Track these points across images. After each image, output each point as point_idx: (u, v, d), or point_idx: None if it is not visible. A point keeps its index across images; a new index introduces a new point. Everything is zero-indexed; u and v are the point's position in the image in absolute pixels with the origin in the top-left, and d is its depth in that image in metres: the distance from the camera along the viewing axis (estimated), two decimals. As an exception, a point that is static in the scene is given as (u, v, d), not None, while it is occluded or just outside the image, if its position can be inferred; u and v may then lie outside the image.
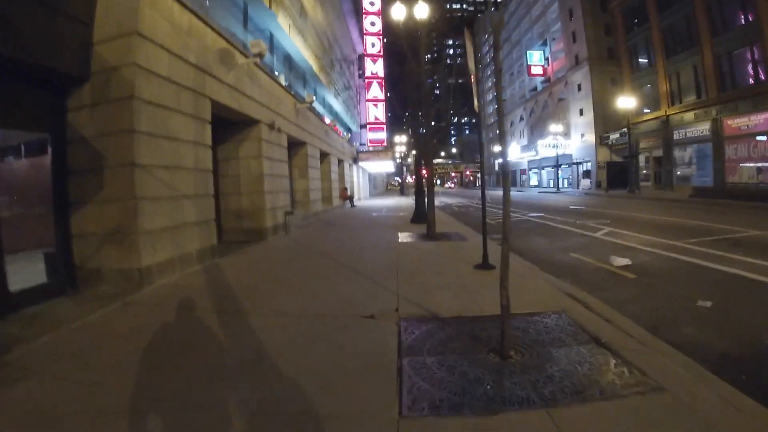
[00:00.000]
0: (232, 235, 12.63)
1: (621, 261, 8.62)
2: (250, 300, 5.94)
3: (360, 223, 17.13)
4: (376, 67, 45.55)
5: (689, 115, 32.21)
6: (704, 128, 30.94)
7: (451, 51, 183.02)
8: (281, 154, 14.40)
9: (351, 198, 28.85)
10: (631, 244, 10.63)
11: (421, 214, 15.75)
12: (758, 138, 26.25)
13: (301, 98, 17.43)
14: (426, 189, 12.27)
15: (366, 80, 46.14)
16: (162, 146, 7.64)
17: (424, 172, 15.60)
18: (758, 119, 26.09)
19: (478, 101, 7.33)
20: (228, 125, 12.38)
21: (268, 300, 5.97)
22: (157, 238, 7.37)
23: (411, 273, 7.42)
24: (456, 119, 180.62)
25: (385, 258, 8.91)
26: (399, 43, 13.44)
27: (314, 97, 18.60)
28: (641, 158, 38.93)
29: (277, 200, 13.67)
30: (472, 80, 7.06)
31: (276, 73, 17.55)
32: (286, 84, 17.62)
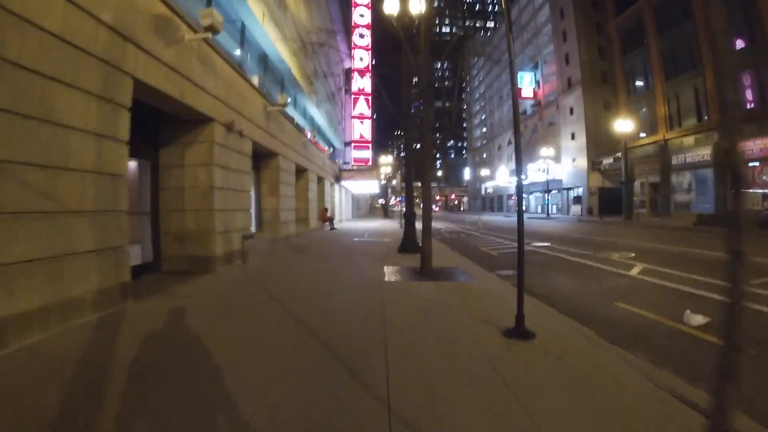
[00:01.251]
0: (173, 263, 9.85)
1: (697, 319, 5.96)
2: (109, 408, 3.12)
3: (338, 250, 14.35)
4: (363, 83, 43.54)
5: (689, 140, 31.34)
6: (705, 153, 29.82)
7: (438, 73, 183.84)
8: (242, 164, 11.63)
9: (331, 220, 26.08)
10: (685, 287, 8.13)
11: (411, 243, 13.15)
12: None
13: (273, 100, 14.73)
14: (422, 212, 9.54)
15: (352, 96, 43.91)
16: (34, 133, 4.91)
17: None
18: (765, 143, 24.44)
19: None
20: (173, 123, 9.71)
21: (146, 408, 3.15)
22: (15, 276, 4.59)
23: (407, 347, 4.61)
24: (440, 142, 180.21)
25: (366, 312, 6.11)
26: (393, 34, 10.88)
27: (288, 100, 15.88)
28: (636, 184, 37.46)
29: (232, 221, 10.86)
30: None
31: (250, 74, 14.96)
32: (260, 86, 14.99)
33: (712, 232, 21.09)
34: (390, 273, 9.50)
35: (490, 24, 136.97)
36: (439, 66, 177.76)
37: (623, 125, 34.42)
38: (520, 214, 5.32)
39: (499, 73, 76.88)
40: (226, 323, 5.55)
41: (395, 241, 16.42)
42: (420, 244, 13.10)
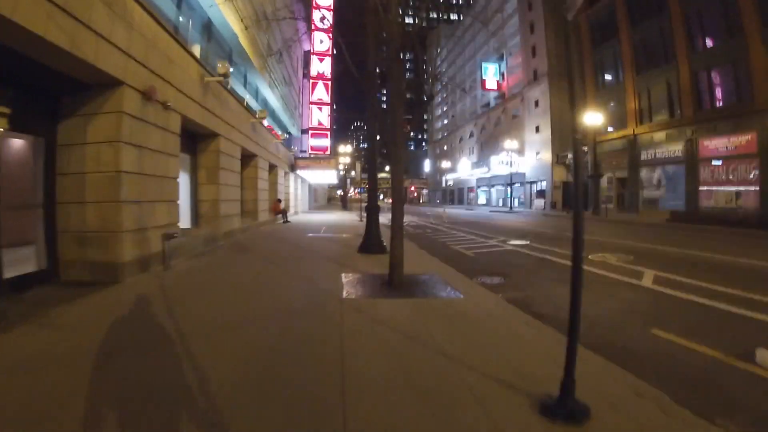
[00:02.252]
0: (73, 271, 7.56)
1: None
2: None
3: (289, 250, 12.16)
4: (323, 67, 41.32)
5: (660, 135, 30.49)
6: (677, 149, 29.02)
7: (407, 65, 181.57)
8: (166, 143, 9.30)
9: (284, 212, 23.74)
10: (719, 303, 6.53)
11: (375, 242, 11.19)
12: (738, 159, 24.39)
13: (211, 69, 12.36)
14: (391, 205, 7.50)
15: (311, 80, 41.50)
16: None
17: (383, 180, 11.02)
18: (740, 140, 23.86)
19: None
20: (75, 88, 7.34)
21: None
22: None
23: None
24: (411, 124, 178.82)
25: (315, 360, 4.03)
26: None
27: (231, 70, 13.54)
28: (603, 179, 36.46)
29: (150, 215, 8.54)
30: None
31: (191, 43, 12.58)
32: (203, 59, 12.61)
33: (690, 229, 20.15)
34: (350, 284, 7.43)
35: (454, 17, 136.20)
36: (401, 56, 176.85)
37: (592, 118, 33.38)
38: (578, 223, 3.31)
39: (462, 64, 75.79)
40: (76, 401, 3.36)
41: (355, 238, 14.42)
42: (384, 244, 11.23)
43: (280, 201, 23.90)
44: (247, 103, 18.75)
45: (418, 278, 7.96)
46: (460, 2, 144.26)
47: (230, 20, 15.64)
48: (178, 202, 10.11)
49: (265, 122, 22.40)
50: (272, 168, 23.80)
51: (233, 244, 12.81)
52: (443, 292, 6.98)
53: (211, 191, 12.87)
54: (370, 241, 11.23)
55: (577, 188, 3.26)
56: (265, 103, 25.93)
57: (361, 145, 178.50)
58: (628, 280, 8.42)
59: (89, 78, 7.25)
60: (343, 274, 8.25)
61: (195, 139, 12.73)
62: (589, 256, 11.37)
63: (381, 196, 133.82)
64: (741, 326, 5.53)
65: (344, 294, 6.70)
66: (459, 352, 4.21)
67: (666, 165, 30.44)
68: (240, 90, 20.07)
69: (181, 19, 13.51)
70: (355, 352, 4.20)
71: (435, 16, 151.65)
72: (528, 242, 15.11)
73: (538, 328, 5.07)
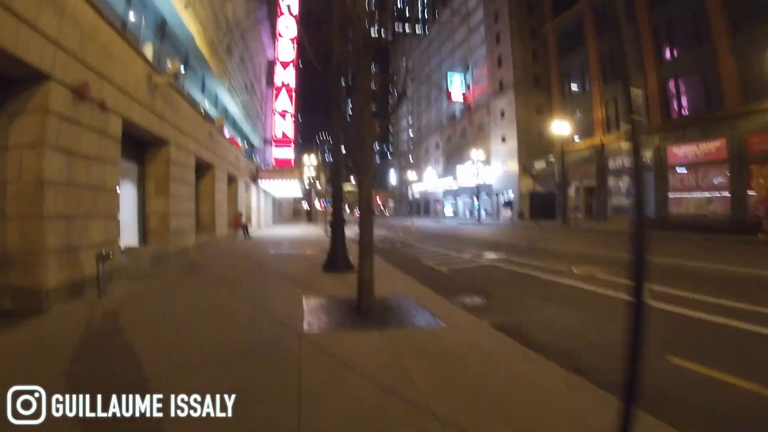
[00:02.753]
0: (-8, 297, 6.35)
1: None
2: None
3: (246, 269, 11.06)
4: (286, 75, 40.20)
5: (627, 143, 29.37)
6: (645, 157, 28.55)
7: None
8: (104, 150, 8.18)
9: (245, 227, 22.50)
10: (733, 322, 5.86)
11: (340, 258, 10.26)
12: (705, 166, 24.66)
13: (162, 69, 11.25)
14: (359, 219, 6.55)
15: (275, 89, 40.36)
16: None
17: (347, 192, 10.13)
18: (709, 147, 24.14)
19: None
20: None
21: None
22: None
23: None
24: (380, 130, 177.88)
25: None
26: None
27: (182, 70, 12.48)
28: (570, 188, 36.75)
29: (82, 232, 7.39)
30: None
31: (142, 41, 11.46)
32: (155, 60, 11.53)
33: (663, 237, 19.92)
34: (313, 312, 6.43)
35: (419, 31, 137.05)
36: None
37: (560, 127, 33.61)
38: (641, 239, 2.40)
39: (428, 73, 75.82)
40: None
41: (320, 254, 13.48)
42: (351, 260, 10.31)
43: (241, 215, 22.66)
44: (204, 109, 17.62)
45: (390, 301, 7.07)
46: (426, 16, 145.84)
47: (186, 19, 14.54)
48: (119, 216, 8.96)
49: (226, 132, 21.24)
50: (232, 180, 22.57)
51: (185, 264, 11.64)
52: (422, 319, 6.10)
53: (161, 204, 11.67)
54: (335, 258, 10.28)
55: (638, 184, 2.42)
56: (225, 111, 24.69)
57: (327, 158, 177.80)
58: (622, 297, 7.72)
59: (9, 70, 6.16)
60: (304, 299, 7.23)
61: (142, 147, 11.56)
62: (573, 269, 10.74)
63: (348, 209, 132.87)
64: (762, 347, 4.89)
65: (305, 326, 5.69)
66: (453, 411, 3.28)
67: None
68: (197, 96, 18.86)
69: (132, 15, 12.34)
70: (315, 418, 3.22)
71: (400, 30, 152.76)
72: (503, 255, 14.43)
73: (544, 367, 4.22)
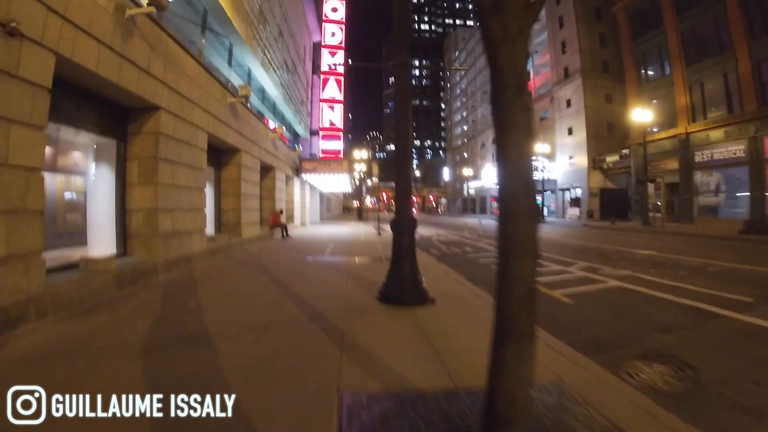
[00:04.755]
0: None
1: None
2: None
3: (260, 294, 7.17)
4: (335, 61, 36.93)
5: (717, 133, 26.67)
6: (738, 148, 25.19)
7: (417, 72, 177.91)
8: (28, 112, 4.69)
9: (284, 226, 19.01)
10: None
11: (408, 284, 6.33)
12: None
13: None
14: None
15: (322, 76, 37.09)
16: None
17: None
18: None
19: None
20: None
21: None
22: None
23: None
24: (418, 142, 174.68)
25: None
26: None
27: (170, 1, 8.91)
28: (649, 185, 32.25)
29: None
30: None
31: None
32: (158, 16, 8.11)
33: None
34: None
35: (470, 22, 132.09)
36: (416, 63, 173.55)
37: (640, 115, 28.87)
38: None
39: (482, 67, 71.16)
40: None
41: (373, 265, 9.94)
42: (424, 286, 6.46)
43: (280, 212, 19.20)
44: (226, 80, 14.13)
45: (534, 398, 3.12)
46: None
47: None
48: (43, 214, 5.40)
49: (257, 109, 17.80)
50: (268, 170, 19.17)
51: (175, 282, 7.95)
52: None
53: (146, 197, 8.13)
54: (399, 282, 6.35)
55: None
56: (262, 92, 21.35)
57: (378, 154, 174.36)
58: None
59: None
60: (345, 399, 3.32)
61: (123, 115, 8.10)
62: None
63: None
64: None
65: None
66: None
67: (726, 167, 26.53)
68: (223, 68, 15.50)
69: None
70: None
71: (451, 21, 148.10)
72: (622, 270, 10.24)
73: None
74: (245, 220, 14.40)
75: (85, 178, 8.68)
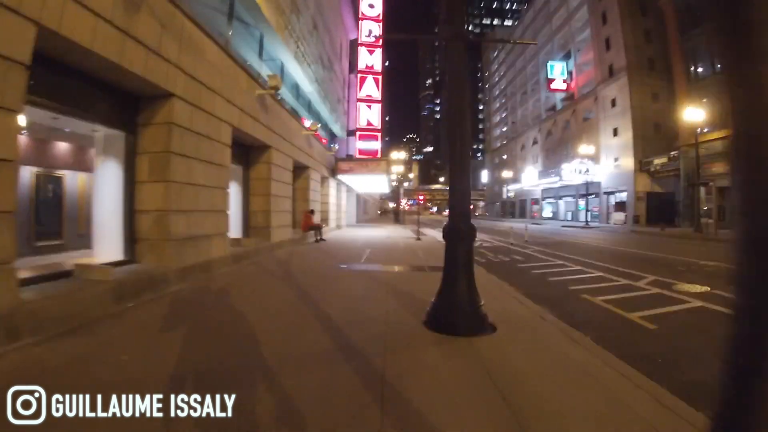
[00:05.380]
0: None
1: None
2: None
3: (278, 311, 5.85)
4: (372, 59, 36.13)
5: None
6: None
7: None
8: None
9: (319, 228, 17.98)
10: None
11: (462, 305, 5.00)
12: None
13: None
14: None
15: (359, 74, 36.17)
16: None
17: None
18: None
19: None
20: None
21: None
22: None
23: None
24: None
25: None
26: None
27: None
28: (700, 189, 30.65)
29: None
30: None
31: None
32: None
33: None
34: None
35: (508, 23, 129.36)
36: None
37: (693, 114, 26.82)
38: None
39: (523, 65, 69.10)
40: None
41: (415, 273, 8.74)
42: (484, 311, 5.14)
43: (312, 212, 18.16)
44: (262, 78, 13.14)
45: None
46: (515, 6, 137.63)
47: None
48: (13, 215, 4.38)
49: (290, 105, 16.82)
50: (301, 170, 18.16)
51: (185, 295, 6.84)
52: None
53: (157, 196, 7.12)
54: (452, 304, 5.04)
55: None
56: (296, 89, 20.40)
57: (414, 157, 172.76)
58: None
59: None
60: None
61: (133, 104, 7.12)
62: None
63: (435, 209, 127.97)
64: None
65: None
66: None
67: None
68: (254, 60, 14.58)
69: None
70: None
71: (488, 22, 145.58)
72: (707, 288, 8.68)
73: None
74: (275, 223, 13.36)
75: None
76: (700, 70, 31.65)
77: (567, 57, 53.51)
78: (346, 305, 6.38)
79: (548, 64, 53.79)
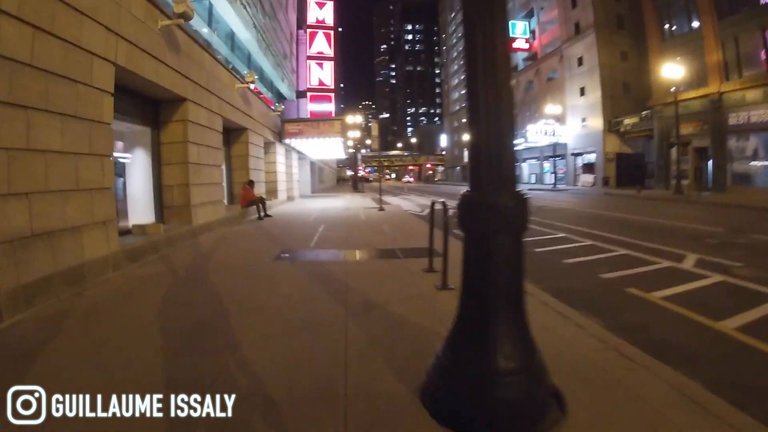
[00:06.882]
0: None
1: None
2: None
3: (153, 370, 3.60)
4: (323, 13, 33.09)
5: (754, 94, 24.41)
6: None
7: (410, 36, 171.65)
8: None
9: (261, 202, 15.08)
10: None
11: (502, 386, 2.32)
12: None
13: None
14: None
15: (308, 29, 32.87)
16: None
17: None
18: None
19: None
20: None
21: None
22: None
23: None
24: (414, 109, 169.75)
25: None
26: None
27: None
28: (672, 149, 30.51)
29: None
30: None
31: None
32: None
33: None
34: None
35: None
36: (409, 28, 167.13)
37: (671, 71, 26.35)
38: None
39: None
40: None
41: (385, 263, 6.93)
42: (545, 373, 2.50)
43: (251, 183, 15.15)
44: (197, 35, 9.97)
45: None
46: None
47: None
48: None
49: (208, 45, 13.69)
50: (238, 133, 15.16)
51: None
52: None
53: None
54: (479, 375, 2.38)
55: None
56: (232, 39, 17.13)
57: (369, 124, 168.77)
58: None
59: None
60: None
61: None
62: None
63: (393, 175, 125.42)
64: None
65: None
66: None
67: (765, 131, 24.43)
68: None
69: None
70: None
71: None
72: (720, 259, 6.76)
73: None
74: (198, 200, 10.26)
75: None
76: (674, 27, 30.88)
77: (530, 16, 51.98)
78: (275, 351, 3.55)
79: (510, 23, 51.32)
